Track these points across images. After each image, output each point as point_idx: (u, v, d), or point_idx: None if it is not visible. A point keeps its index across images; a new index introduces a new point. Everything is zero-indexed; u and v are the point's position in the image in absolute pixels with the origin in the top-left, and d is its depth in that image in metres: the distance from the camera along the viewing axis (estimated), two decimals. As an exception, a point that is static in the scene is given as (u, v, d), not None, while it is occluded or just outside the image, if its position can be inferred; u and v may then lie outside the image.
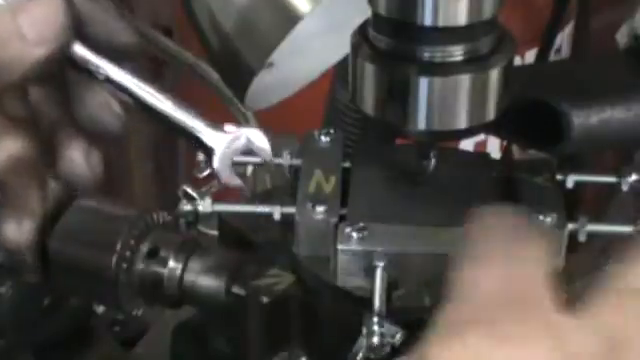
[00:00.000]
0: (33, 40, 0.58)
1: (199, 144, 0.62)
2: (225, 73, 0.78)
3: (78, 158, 0.66)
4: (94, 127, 0.65)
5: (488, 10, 0.63)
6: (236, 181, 0.60)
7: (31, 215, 0.65)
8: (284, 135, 0.86)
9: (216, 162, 0.60)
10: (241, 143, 0.60)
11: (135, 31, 0.65)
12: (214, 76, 0.97)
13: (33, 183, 0.64)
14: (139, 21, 1.03)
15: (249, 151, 0.61)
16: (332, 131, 0.77)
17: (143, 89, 0.60)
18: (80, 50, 0.60)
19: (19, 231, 0.65)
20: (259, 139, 0.60)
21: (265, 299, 0.72)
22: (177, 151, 2.17)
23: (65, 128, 0.66)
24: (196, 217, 0.73)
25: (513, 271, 0.49)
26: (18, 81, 0.61)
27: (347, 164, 0.75)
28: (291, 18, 0.69)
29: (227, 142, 0.60)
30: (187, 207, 0.73)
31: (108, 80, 0.60)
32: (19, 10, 0.57)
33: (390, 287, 0.65)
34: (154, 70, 2.28)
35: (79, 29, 0.60)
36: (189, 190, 0.72)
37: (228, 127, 0.61)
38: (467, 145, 1.37)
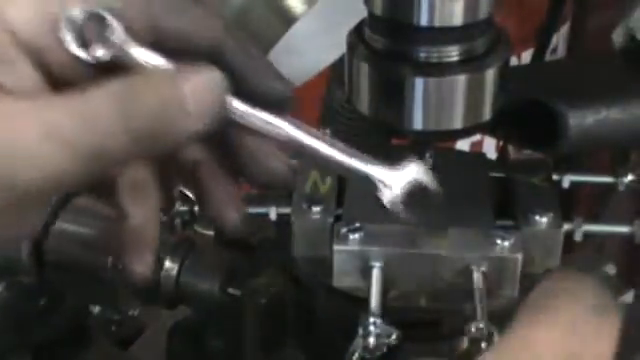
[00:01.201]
0: (195, 114, 0.53)
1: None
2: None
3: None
4: (266, 179, 0.61)
5: (484, 10, 0.63)
6: (405, 214, 0.60)
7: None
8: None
9: (392, 200, 0.59)
10: (411, 179, 0.60)
11: (286, 80, 0.61)
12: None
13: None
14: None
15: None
16: (328, 131, 0.77)
17: (311, 136, 0.58)
18: (239, 106, 0.56)
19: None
20: (424, 174, 0.60)
21: (261, 299, 0.72)
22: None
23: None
24: (192, 217, 0.73)
25: (573, 344, 0.49)
26: (170, 151, 0.57)
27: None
28: (286, 19, 0.69)
29: (403, 181, 0.59)
30: (183, 207, 0.73)
31: (274, 133, 0.57)
32: (182, 79, 0.53)
33: (386, 287, 0.65)
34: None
35: (236, 87, 0.56)
36: (185, 191, 0.72)
37: (397, 166, 0.60)
38: (463, 145, 1.37)
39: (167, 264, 0.69)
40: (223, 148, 0.60)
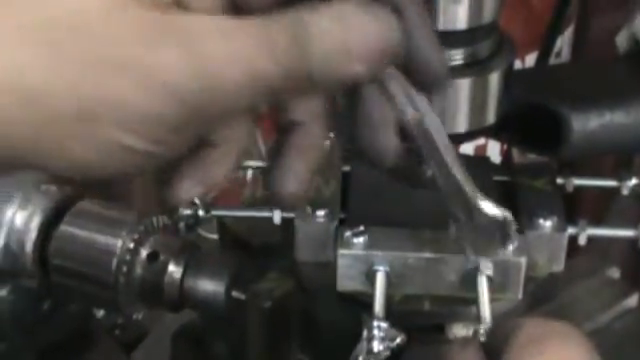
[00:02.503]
0: (362, 60, 0.51)
1: None
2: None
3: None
4: (372, 153, 0.59)
5: (488, 14, 0.63)
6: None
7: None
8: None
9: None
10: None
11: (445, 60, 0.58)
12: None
13: None
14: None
15: None
16: (331, 135, 0.77)
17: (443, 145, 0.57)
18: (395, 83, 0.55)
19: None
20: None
21: (266, 303, 0.72)
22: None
23: None
24: (196, 221, 0.73)
25: None
26: (329, 91, 0.57)
27: (347, 168, 0.75)
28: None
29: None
30: (187, 211, 0.73)
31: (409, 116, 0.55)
32: (357, 23, 0.51)
33: (390, 291, 0.65)
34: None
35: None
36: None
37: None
38: (467, 149, 1.37)
39: (171, 267, 0.69)
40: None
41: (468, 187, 0.57)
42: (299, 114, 0.57)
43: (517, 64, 0.68)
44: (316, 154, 0.58)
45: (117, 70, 0.48)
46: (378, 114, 0.57)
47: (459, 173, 0.57)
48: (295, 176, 0.57)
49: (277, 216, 0.72)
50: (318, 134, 0.58)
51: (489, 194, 0.73)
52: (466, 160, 0.83)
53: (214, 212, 0.74)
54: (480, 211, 0.58)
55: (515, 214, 0.71)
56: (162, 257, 0.69)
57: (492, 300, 0.63)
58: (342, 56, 0.51)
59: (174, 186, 0.56)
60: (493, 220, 0.59)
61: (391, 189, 0.73)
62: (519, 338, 0.52)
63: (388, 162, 0.59)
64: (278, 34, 0.50)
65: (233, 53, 0.49)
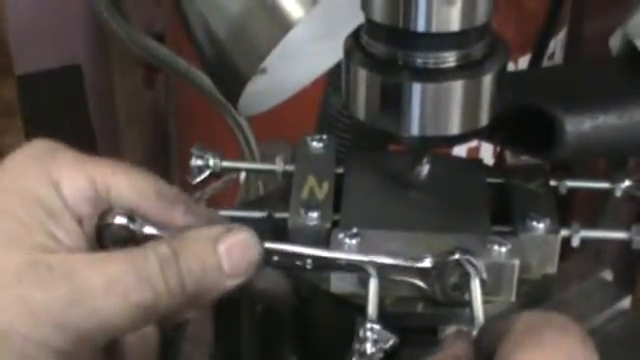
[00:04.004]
0: (229, 272, 0.60)
1: None
2: (218, 79, 0.78)
3: None
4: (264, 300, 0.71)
5: (481, 16, 0.63)
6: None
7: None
8: (277, 141, 0.86)
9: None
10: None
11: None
12: (207, 83, 0.97)
13: None
14: (132, 28, 1.02)
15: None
16: (325, 137, 0.77)
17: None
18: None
19: None
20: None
21: (259, 305, 0.72)
22: (170, 159, 2.18)
23: None
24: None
25: None
26: (205, 305, 0.63)
27: (340, 170, 0.75)
28: (284, 24, 0.69)
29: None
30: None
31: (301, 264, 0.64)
32: (219, 241, 0.60)
33: (383, 293, 0.65)
34: (147, 77, 2.29)
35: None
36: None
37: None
38: (460, 151, 1.37)
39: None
40: None
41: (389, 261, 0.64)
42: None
43: (510, 66, 0.68)
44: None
45: (6, 307, 0.55)
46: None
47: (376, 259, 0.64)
48: None
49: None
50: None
51: (482, 196, 0.74)
52: (459, 162, 0.83)
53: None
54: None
55: (508, 216, 0.71)
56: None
57: (485, 302, 0.63)
58: (215, 273, 0.59)
59: None
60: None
61: (384, 191, 0.73)
62: (517, 329, 0.52)
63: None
64: (150, 260, 0.58)
65: (108, 282, 0.57)
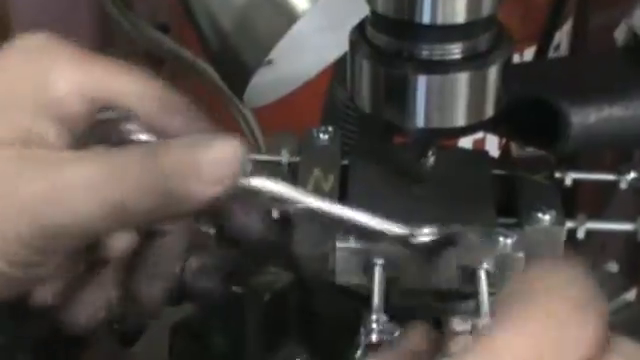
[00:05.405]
0: (209, 180, 0.57)
1: None
2: (224, 71, 0.78)
3: None
4: (239, 236, 0.69)
5: (487, 8, 0.63)
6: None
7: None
8: (283, 133, 0.86)
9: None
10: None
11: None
12: (212, 74, 0.97)
13: None
14: (138, 19, 1.02)
15: None
16: (330, 129, 0.77)
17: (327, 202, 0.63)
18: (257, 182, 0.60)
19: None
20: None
21: (264, 297, 0.72)
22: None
23: None
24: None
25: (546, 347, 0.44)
26: (183, 215, 0.62)
27: (346, 162, 0.75)
28: (290, 16, 0.69)
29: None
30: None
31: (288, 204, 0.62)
32: (200, 146, 0.57)
33: (389, 284, 0.65)
34: (152, 68, 2.29)
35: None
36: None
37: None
38: (465, 143, 1.37)
39: (169, 261, 0.69)
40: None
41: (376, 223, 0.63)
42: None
43: (515, 58, 0.68)
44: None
45: None
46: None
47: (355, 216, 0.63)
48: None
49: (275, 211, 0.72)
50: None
51: (487, 188, 0.74)
52: (464, 154, 0.83)
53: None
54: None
55: (514, 208, 0.71)
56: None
57: (490, 294, 0.63)
58: (194, 180, 0.56)
59: (68, 312, 0.67)
60: None
61: (390, 183, 0.73)
62: (509, 285, 0.47)
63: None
64: (129, 160, 0.57)
65: (85, 180, 0.56)
